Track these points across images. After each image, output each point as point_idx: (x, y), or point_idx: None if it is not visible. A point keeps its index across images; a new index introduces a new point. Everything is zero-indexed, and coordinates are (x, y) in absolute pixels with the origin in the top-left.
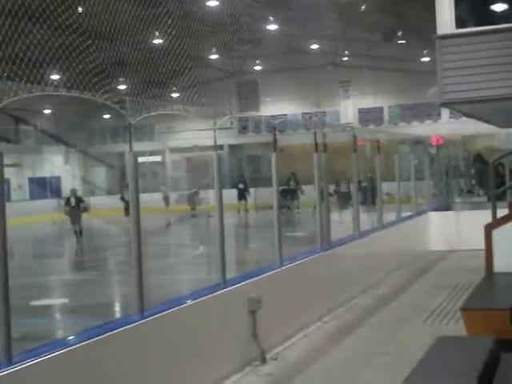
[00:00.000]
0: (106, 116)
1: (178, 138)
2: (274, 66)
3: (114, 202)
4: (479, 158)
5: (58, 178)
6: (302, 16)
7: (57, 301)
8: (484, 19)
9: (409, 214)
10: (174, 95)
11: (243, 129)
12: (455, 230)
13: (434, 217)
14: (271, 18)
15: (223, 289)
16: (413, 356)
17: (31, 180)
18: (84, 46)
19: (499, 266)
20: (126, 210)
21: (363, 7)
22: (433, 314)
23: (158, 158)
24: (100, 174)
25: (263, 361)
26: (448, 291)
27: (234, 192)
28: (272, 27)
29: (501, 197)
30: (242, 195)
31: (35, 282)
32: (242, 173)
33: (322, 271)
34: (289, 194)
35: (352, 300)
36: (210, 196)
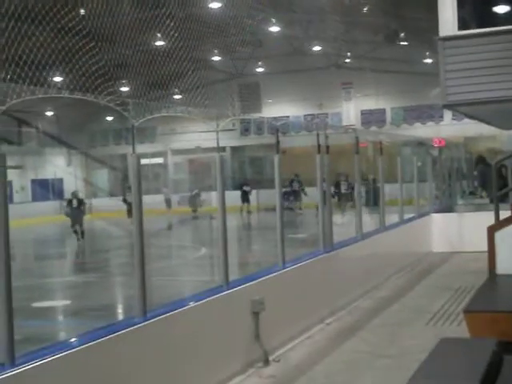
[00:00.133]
0: (109, 118)
1: (180, 140)
2: (276, 68)
3: (117, 203)
4: (482, 160)
5: (61, 180)
6: (304, 18)
7: (59, 303)
8: (486, 21)
9: (411, 215)
10: (177, 97)
11: (245, 131)
12: (458, 231)
13: (436, 218)
14: (273, 19)
15: (226, 291)
16: (415, 358)
17: (34, 182)
18: (86, 48)
19: (502, 267)
20: (129, 212)
21: (365, 9)
22: (435, 316)
23: (159, 160)
24: (102, 176)
25: (266, 363)
26: (450, 293)
27: (235, 194)
28: (274, 29)
29: (503, 198)
30: (246, 197)
31: (37, 284)
32: (245, 175)
33: (325, 273)
34: (292, 196)
35: (354, 302)
36: (211, 198)
